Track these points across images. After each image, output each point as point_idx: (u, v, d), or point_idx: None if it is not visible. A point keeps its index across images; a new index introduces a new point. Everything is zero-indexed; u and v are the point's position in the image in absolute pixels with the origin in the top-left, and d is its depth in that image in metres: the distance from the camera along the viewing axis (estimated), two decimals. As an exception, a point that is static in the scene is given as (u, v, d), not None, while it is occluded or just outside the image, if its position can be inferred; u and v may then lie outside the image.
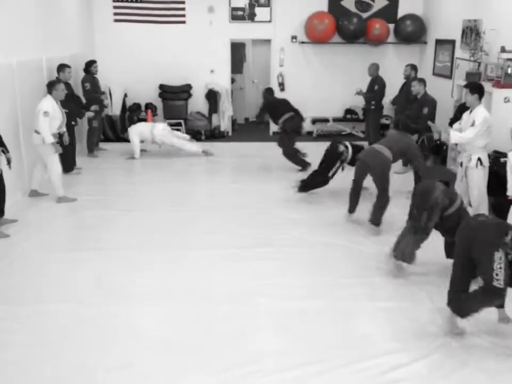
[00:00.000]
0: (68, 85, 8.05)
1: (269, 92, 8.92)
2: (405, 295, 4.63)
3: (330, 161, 7.11)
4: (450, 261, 4.25)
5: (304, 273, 5.05)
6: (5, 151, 5.79)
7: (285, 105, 8.48)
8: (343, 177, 7.12)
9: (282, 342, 3.91)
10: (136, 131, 9.14)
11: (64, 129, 7.04)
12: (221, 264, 5.20)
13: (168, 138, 9.22)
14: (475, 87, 5.83)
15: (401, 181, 7.77)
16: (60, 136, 6.95)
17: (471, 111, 5.83)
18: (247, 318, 4.24)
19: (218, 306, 4.40)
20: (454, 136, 5.77)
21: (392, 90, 9.32)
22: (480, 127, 5.63)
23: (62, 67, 7.97)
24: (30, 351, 3.77)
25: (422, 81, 7.11)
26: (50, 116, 6.59)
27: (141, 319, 4.22)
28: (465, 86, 5.94)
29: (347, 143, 7.26)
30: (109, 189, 7.70)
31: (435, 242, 4.97)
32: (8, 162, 5.82)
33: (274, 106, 8.55)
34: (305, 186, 7.07)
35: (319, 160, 7.30)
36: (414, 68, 8.68)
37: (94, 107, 8.67)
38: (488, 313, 4.01)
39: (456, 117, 7.78)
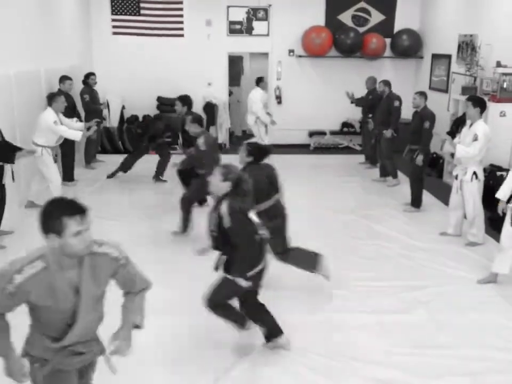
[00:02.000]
0: (69, 97, 8.10)
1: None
2: (404, 307, 4.63)
3: None
4: None
5: (300, 284, 5.03)
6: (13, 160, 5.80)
7: None
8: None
9: (278, 352, 3.90)
10: None
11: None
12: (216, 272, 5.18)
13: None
14: (478, 100, 5.85)
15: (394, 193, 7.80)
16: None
17: (470, 125, 5.84)
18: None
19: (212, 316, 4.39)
20: (460, 150, 5.76)
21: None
22: (483, 142, 5.64)
23: (62, 79, 8.03)
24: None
25: (423, 94, 7.14)
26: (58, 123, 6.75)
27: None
28: (468, 99, 5.95)
29: None
30: (105, 200, 7.68)
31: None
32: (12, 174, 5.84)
33: None
34: None
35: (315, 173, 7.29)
36: (387, 83, 8.63)
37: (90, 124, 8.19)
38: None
39: (452, 131, 7.84)
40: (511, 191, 4.85)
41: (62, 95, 7.25)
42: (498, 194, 4.92)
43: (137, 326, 2.62)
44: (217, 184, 3.57)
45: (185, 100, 7.34)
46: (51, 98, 6.88)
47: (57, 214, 2.20)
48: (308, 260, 4.81)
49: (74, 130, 6.97)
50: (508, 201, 4.86)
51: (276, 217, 4.63)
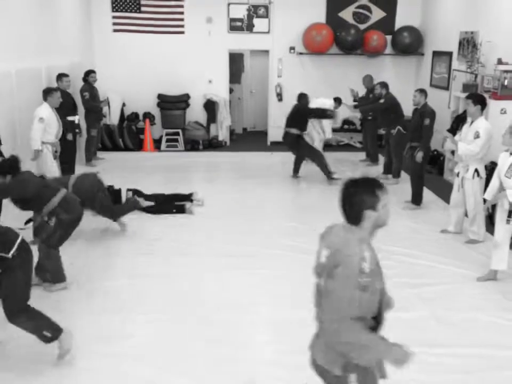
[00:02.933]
0: (68, 95, 8.09)
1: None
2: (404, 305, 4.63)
3: None
4: None
5: (300, 282, 5.04)
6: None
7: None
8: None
9: (277, 352, 3.90)
10: None
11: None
12: (215, 273, 5.20)
13: None
14: (478, 98, 5.84)
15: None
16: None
17: (471, 123, 5.83)
18: (242, 326, 4.23)
19: (215, 315, 4.39)
20: (462, 147, 5.76)
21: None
22: (485, 139, 5.65)
23: (60, 76, 8.01)
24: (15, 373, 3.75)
25: (423, 91, 7.12)
26: (46, 122, 6.60)
27: (134, 326, 4.22)
28: (468, 97, 5.94)
29: None
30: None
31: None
32: None
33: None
34: None
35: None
36: (384, 85, 8.55)
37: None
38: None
39: (453, 128, 7.83)
40: (496, 189, 4.96)
41: (59, 91, 7.16)
42: (486, 195, 5.11)
43: None
44: None
45: None
46: (47, 93, 6.80)
47: (371, 189, 2.32)
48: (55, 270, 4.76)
49: (39, 143, 6.55)
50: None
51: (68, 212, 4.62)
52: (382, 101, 8.43)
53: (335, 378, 2.37)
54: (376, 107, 8.61)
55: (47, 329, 3.61)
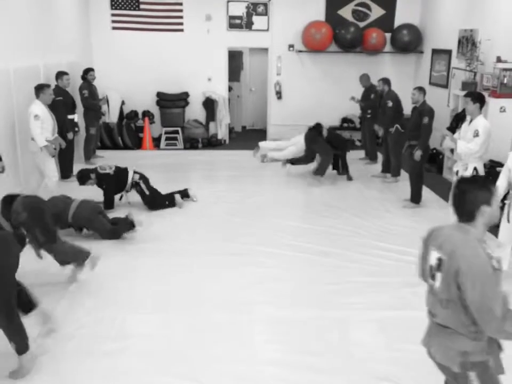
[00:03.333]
0: (67, 93, 8.08)
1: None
2: (403, 303, 4.63)
3: None
4: None
5: (300, 281, 5.04)
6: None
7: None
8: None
9: (277, 351, 3.90)
10: None
11: (56, 134, 7.01)
12: (214, 272, 5.19)
13: None
14: (477, 96, 5.83)
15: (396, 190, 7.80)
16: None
17: (470, 121, 5.82)
18: (242, 326, 4.23)
19: (214, 314, 4.39)
20: (461, 146, 5.75)
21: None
22: (484, 137, 5.64)
23: (60, 74, 7.99)
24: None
25: (422, 89, 7.11)
26: (41, 119, 6.59)
27: (130, 325, 4.21)
28: (467, 95, 5.94)
29: None
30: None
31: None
32: (3, 169, 5.79)
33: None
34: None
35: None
36: (386, 81, 8.55)
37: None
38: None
39: (452, 127, 7.82)
40: (504, 189, 4.88)
41: (51, 87, 7.07)
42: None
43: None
44: None
45: None
46: (39, 90, 6.74)
47: (484, 184, 2.39)
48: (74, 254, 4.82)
49: (43, 138, 6.57)
50: (504, 198, 4.88)
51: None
52: (390, 104, 8.29)
53: (455, 375, 2.47)
54: (390, 115, 8.30)
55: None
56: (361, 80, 9.54)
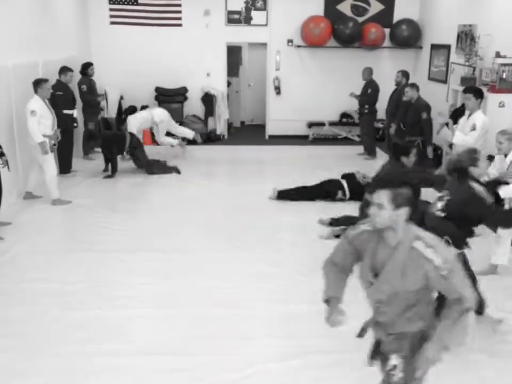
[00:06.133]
0: (67, 88, 8.07)
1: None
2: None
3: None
4: None
5: (302, 275, 5.05)
6: (2, 153, 5.78)
7: None
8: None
9: (280, 346, 3.91)
10: (135, 123, 9.13)
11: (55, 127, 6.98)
12: (215, 267, 5.20)
13: (169, 125, 9.62)
14: (476, 91, 5.85)
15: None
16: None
17: (469, 116, 5.83)
18: (243, 322, 4.24)
19: (213, 310, 4.40)
20: (458, 136, 5.77)
21: (386, 94, 9.31)
22: (480, 131, 5.65)
23: (64, 70, 7.99)
24: (18, 355, 3.76)
25: (414, 86, 7.13)
26: (39, 115, 6.56)
27: (132, 322, 4.22)
28: (468, 91, 5.93)
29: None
30: (103, 191, 7.68)
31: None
32: (6, 164, 5.80)
33: None
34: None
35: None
36: (405, 74, 8.61)
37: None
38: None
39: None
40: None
41: (48, 82, 7.00)
42: (503, 194, 5.00)
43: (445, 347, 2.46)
44: None
45: None
46: (37, 85, 6.69)
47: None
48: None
49: (40, 134, 6.54)
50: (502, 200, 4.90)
51: None
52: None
53: None
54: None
55: None
56: (364, 73, 9.50)
